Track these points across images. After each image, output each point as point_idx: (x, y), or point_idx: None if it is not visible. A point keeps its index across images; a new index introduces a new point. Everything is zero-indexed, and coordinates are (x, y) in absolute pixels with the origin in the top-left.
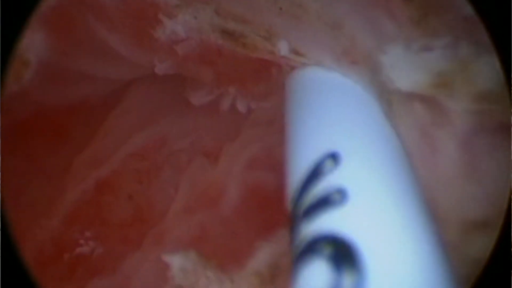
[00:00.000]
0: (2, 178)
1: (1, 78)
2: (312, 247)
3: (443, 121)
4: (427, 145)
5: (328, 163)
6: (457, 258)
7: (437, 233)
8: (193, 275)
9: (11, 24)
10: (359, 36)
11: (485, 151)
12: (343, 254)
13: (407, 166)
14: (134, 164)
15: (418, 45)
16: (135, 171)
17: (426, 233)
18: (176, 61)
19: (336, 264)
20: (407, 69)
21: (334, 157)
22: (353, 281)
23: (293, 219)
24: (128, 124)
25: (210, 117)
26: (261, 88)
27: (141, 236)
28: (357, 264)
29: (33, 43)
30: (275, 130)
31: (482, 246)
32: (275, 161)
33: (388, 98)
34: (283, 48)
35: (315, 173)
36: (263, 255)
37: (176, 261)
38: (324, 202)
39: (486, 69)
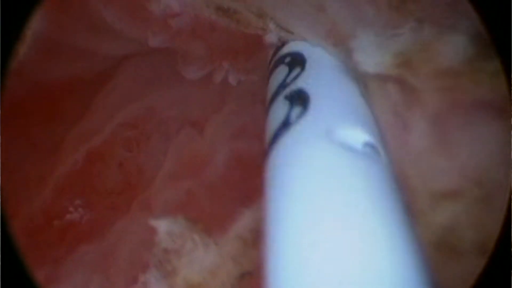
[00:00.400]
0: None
1: (1, 77)
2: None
3: (414, 100)
4: (399, 124)
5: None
6: (425, 225)
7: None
8: (180, 239)
9: (11, 23)
10: (339, 20)
11: (458, 126)
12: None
13: (379, 138)
14: (124, 133)
15: (386, 30)
16: (125, 140)
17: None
18: (170, 35)
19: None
20: (371, 52)
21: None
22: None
23: None
24: (119, 98)
25: (197, 89)
26: (253, 62)
27: (129, 202)
28: None
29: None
30: (259, 100)
31: (451, 214)
32: (259, 131)
33: (364, 81)
34: (274, 27)
35: None
36: (246, 220)
37: (163, 225)
38: None
39: (448, 47)
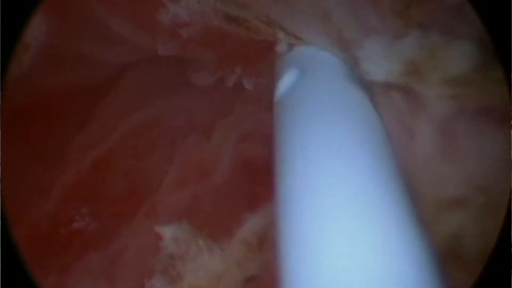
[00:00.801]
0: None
1: (1, 78)
2: None
3: (419, 108)
4: (405, 131)
5: None
6: (436, 236)
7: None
8: (185, 244)
9: (12, 23)
10: (345, 27)
11: (464, 133)
12: None
13: (387, 145)
14: (130, 141)
15: (392, 38)
16: (131, 148)
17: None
18: (179, 43)
19: None
20: (379, 60)
21: None
22: None
23: None
24: (124, 105)
25: (204, 96)
26: (263, 66)
27: (135, 209)
28: None
29: (33, 27)
30: (266, 106)
31: (457, 223)
32: (265, 136)
33: (370, 89)
34: (283, 36)
35: None
36: (251, 225)
37: (169, 231)
38: None
39: (456, 55)
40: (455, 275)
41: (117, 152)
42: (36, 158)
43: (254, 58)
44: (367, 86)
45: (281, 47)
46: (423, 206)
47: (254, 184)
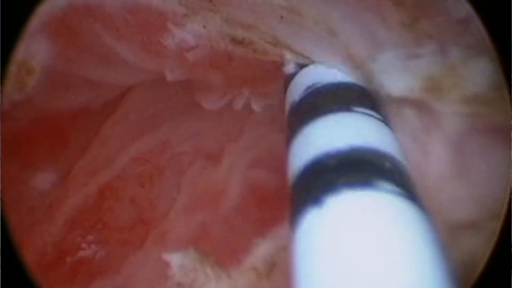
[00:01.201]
0: (2, 183)
1: (1, 80)
2: None
3: (433, 125)
4: (419, 148)
5: None
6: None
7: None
8: (192, 272)
9: (11, 25)
10: (354, 43)
11: (476, 152)
12: None
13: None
14: (136, 168)
15: (407, 52)
16: (137, 175)
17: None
18: (187, 68)
19: None
20: (397, 75)
21: None
22: None
23: None
24: (128, 129)
25: (212, 120)
26: (271, 87)
27: (142, 237)
28: None
29: (37, 51)
30: (276, 129)
31: (471, 248)
32: (275, 161)
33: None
34: (291, 56)
35: None
36: (260, 252)
37: (176, 259)
38: None
39: (476, 72)
40: None
41: (123, 179)
42: (40, 180)
43: (262, 79)
44: (381, 101)
45: (289, 68)
46: (444, 230)
47: (263, 209)
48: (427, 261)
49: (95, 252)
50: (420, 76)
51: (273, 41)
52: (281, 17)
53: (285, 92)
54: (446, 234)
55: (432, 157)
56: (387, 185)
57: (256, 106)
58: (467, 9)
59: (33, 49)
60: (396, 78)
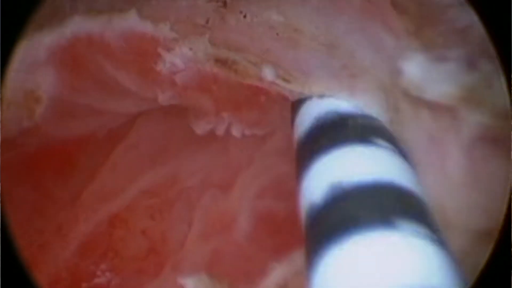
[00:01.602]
0: (11, 207)
1: (1, 79)
2: None
3: (449, 129)
4: (435, 150)
5: None
6: (467, 267)
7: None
8: None
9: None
10: (358, 51)
11: (487, 159)
12: None
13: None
14: (146, 200)
15: (432, 55)
16: (147, 208)
17: None
18: (177, 91)
19: None
20: (434, 80)
21: None
22: None
23: None
24: (137, 158)
25: (220, 152)
26: (254, 115)
27: (157, 267)
28: None
29: (44, 81)
30: (286, 160)
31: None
32: (283, 189)
33: (396, 105)
34: (269, 73)
35: None
36: (274, 276)
37: (190, 284)
38: None
39: (505, 86)
40: None
41: (133, 211)
42: (48, 204)
43: (245, 105)
44: (395, 102)
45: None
46: (455, 235)
47: (276, 236)
48: None
49: (109, 279)
50: (458, 85)
51: (257, 61)
52: (277, 34)
53: (292, 121)
54: (464, 240)
55: (448, 160)
56: (412, 226)
57: (236, 132)
58: (468, 19)
59: (40, 78)
60: (433, 83)
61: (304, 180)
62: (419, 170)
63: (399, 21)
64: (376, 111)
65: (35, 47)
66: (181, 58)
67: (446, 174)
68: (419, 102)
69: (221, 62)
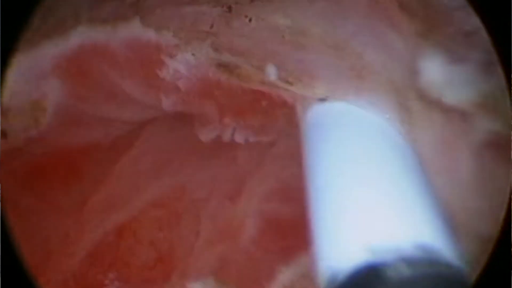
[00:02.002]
0: (17, 215)
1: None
2: None
3: (461, 133)
4: (447, 153)
5: None
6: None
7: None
8: None
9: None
10: (367, 52)
11: (495, 164)
12: None
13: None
14: (154, 212)
15: (451, 57)
16: (155, 219)
17: None
18: (181, 97)
19: None
20: (453, 84)
21: None
22: None
23: None
24: (143, 168)
25: (228, 161)
26: (258, 121)
27: (164, 275)
28: None
29: (50, 90)
30: (293, 164)
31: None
32: (289, 192)
33: (407, 106)
34: (272, 73)
35: None
36: (282, 279)
37: None
38: None
39: None
40: None
41: (141, 222)
42: (53, 213)
43: (248, 110)
44: (406, 103)
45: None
46: (466, 240)
47: (283, 239)
48: None
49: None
50: (477, 91)
51: (259, 64)
52: (283, 37)
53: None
54: (472, 247)
55: (459, 165)
56: None
57: (239, 139)
58: (476, 22)
59: (45, 88)
60: (452, 87)
61: None
62: (430, 172)
63: (407, 22)
64: (384, 111)
65: (40, 58)
66: (183, 64)
67: (457, 177)
68: (432, 104)
69: (223, 66)
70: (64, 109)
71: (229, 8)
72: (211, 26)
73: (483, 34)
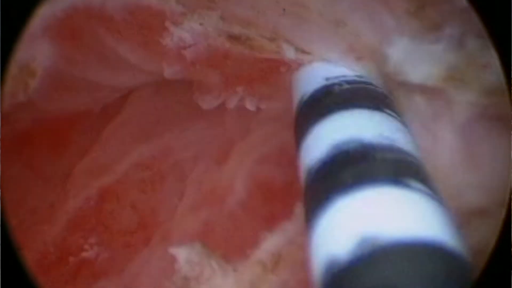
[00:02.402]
0: (3, 185)
1: (1, 79)
2: None
3: (444, 112)
4: (428, 135)
5: None
6: None
7: None
8: (199, 266)
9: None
10: (363, 32)
11: (485, 139)
12: None
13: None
14: (137, 174)
15: (424, 37)
16: (139, 181)
17: None
18: (185, 65)
19: None
20: (417, 62)
21: None
22: None
23: None
24: (130, 133)
25: (216, 125)
26: (268, 88)
27: (145, 241)
28: None
29: (39, 53)
30: (284, 126)
31: (481, 235)
32: (283, 156)
33: (392, 91)
34: (288, 51)
35: None
36: (267, 246)
37: (182, 254)
38: None
39: (494, 63)
40: None
41: (124, 184)
42: (40, 182)
43: (258, 78)
44: (391, 88)
45: (291, 65)
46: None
47: (271, 204)
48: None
49: (98, 253)
50: (441, 65)
51: (272, 36)
52: (283, 10)
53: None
54: (458, 219)
55: (441, 144)
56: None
57: (250, 106)
58: None
59: (35, 51)
60: (417, 65)
61: (320, 223)
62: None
63: (400, 1)
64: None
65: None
66: (190, 32)
67: (440, 157)
68: (410, 87)
69: (234, 38)
70: (54, 73)
71: None
72: None
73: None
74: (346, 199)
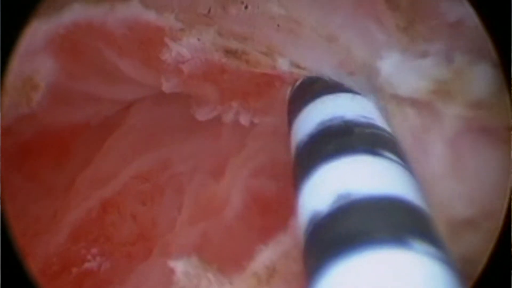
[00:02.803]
0: (6, 195)
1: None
2: None
3: (433, 124)
4: (418, 147)
5: None
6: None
7: None
8: (196, 278)
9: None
10: (354, 47)
11: (473, 151)
12: None
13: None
14: (137, 186)
15: (413, 52)
16: (138, 193)
17: None
18: (182, 79)
19: None
20: (406, 76)
21: None
22: None
23: None
24: (130, 145)
25: (212, 138)
26: (263, 102)
27: (146, 251)
28: None
29: (42, 67)
30: (278, 139)
31: (470, 245)
32: (277, 169)
33: (383, 104)
34: (283, 64)
35: None
36: (262, 258)
37: (180, 266)
38: None
39: (480, 77)
40: None
41: (124, 196)
42: (43, 192)
43: (254, 93)
44: (382, 101)
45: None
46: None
47: (266, 216)
48: None
49: (100, 263)
50: (429, 79)
51: (267, 51)
52: (278, 25)
53: (289, 122)
54: (445, 231)
55: (431, 156)
56: (422, 245)
57: (245, 121)
58: (459, 13)
59: (38, 65)
60: (404, 79)
61: (305, 185)
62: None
63: (390, 16)
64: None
65: (33, 34)
66: (188, 48)
67: (430, 168)
68: (401, 99)
69: (231, 52)
70: (56, 87)
71: None
72: (209, 11)
73: (466, 24)
74: (327, 165)
